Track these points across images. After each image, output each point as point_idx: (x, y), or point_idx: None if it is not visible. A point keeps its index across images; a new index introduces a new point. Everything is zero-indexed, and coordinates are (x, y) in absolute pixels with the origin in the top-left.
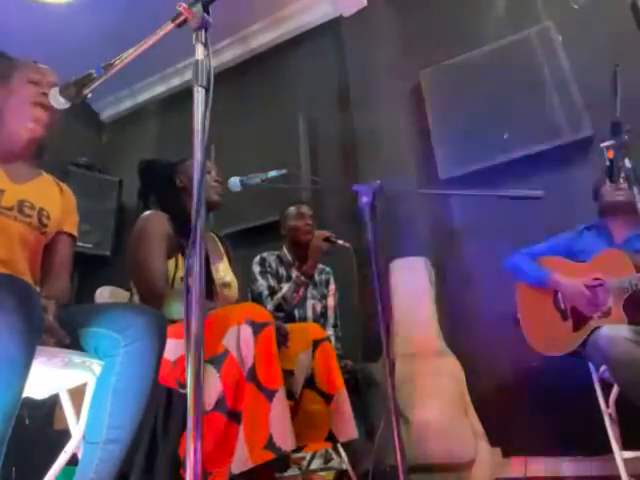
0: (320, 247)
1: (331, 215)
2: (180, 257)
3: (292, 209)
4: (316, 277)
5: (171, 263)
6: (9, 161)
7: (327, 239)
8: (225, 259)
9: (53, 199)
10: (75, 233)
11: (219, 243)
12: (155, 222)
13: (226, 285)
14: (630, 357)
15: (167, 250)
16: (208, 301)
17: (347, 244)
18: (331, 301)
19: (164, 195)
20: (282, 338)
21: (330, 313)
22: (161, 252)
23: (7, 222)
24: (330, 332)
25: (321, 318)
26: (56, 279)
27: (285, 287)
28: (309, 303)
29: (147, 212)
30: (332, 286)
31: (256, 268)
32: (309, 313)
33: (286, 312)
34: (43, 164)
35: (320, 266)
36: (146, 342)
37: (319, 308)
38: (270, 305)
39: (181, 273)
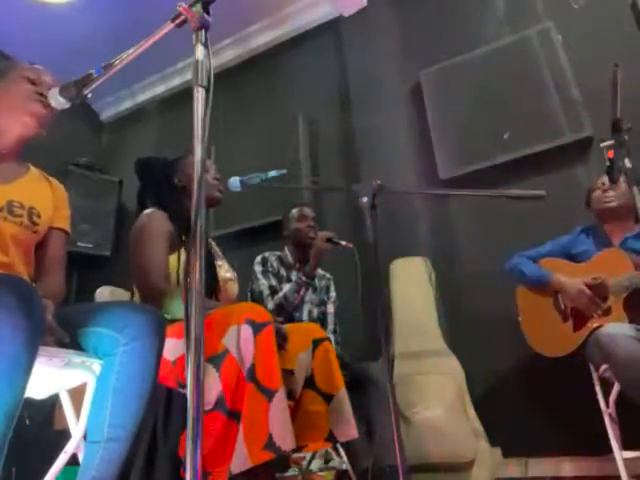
0: (322, 248)
1: (331, 215)
2: (183, 252)
3: (294, 211)
4: (316, 282)
5: (173, 258)
6: None
7: (329, 240)
8: (223, 257)
9: (43, 196)
10: (67, 228)
11: (214, 244)
12: (156, 220)
13: (229, 280)
14: (633, 355)
15: (168, 247)
16: (209, 300)
17: (350, 245)
18: (330, 308)
19: (163, 195)
20: (281, 340)
21: (330, 319)
22: (162, 250)
23: None
24: (330, 337)
25: (317, 323)
26: (49, 276)
27: (286, 287)
28: (306, 307)
29: (148, 210)
30: (332, 293)
31: (258, 267)
32: (305, 317)
33: (286, 313)
34: (43, 164)
35: (321, 272)
36: (145, 341)
37: (316, 313)
38: (271, 304)
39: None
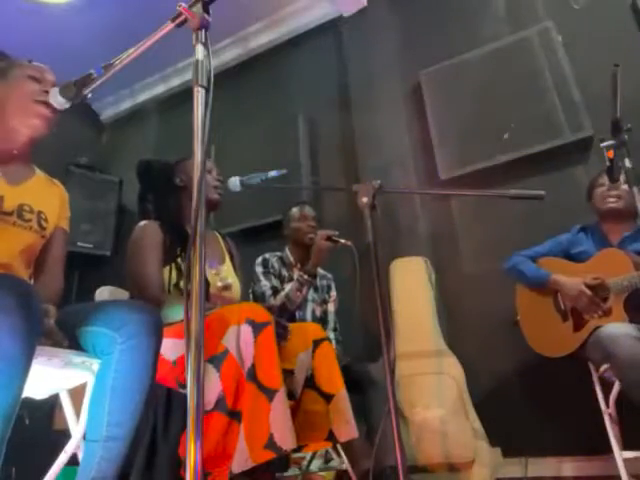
0: (323, 246)
1: (331, 215)
2: (174, 265)
3: (295, 210)
4: (317, 282)
5: (166, 271)
6: (5, 161)
7: (329, 238)
8: (228, 260)
9: (51, 200)
10: (67, 228)
11: (222, 243)
12: (149, 232)
13: (227, 287)
14: (635, 356)
15: (162, 259)
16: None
17: (349, 243)
18: (331, 307)
19: (163, 196)
20: (281, 329)
21: (330, 318)
22: (156, 261)
23: (7, 228)
24: (330, 336)
25: (320, 322)
26: (50, 275)
27: (288, 286)
28: (309, 306)
29: (141, 223)
30: (333, 293)
31: (259, 269)
32: (308, 316)
33: (289, 312)
34: (43, 164)
35: (322, 271)
36: (141, 339)
37: (319, 312)
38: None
39: (175, 281)
